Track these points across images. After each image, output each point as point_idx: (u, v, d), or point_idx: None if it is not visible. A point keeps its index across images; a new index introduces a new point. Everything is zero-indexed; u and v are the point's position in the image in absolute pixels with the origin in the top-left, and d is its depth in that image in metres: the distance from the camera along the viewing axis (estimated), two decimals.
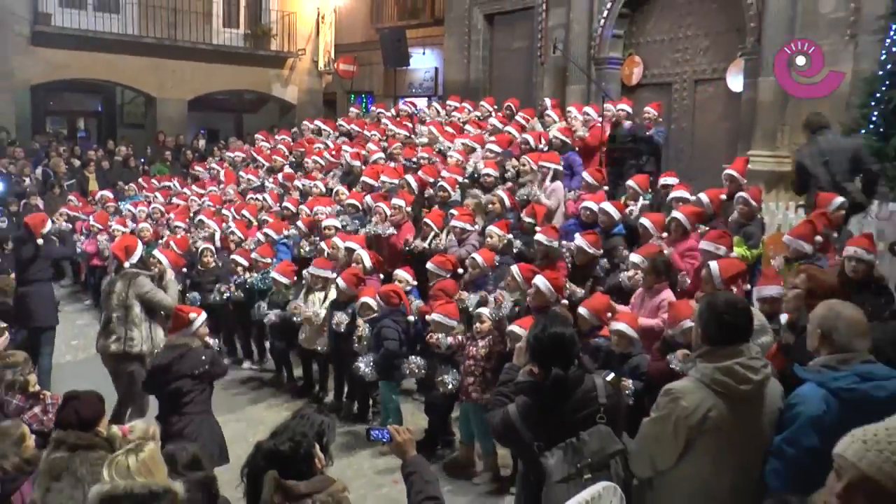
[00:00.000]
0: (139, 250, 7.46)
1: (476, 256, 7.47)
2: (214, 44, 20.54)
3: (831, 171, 7.71)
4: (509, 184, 9.48)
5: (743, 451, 3.33)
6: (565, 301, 6.45)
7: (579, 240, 7.37)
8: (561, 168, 9.29)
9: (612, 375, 3.78)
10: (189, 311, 6.11)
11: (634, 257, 6.91)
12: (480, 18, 16.82)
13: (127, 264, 7.32)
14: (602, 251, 7.45)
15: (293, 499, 3.08)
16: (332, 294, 8.06)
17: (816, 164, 7.80)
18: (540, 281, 6.31)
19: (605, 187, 8.86)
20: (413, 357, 6.84)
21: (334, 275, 8.14)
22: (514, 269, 6.86)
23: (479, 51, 16.88)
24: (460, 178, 9.87)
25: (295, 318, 8.11)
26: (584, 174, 9.01)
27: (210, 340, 6.30)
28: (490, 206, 8.78)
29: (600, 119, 10.42)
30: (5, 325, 6.93)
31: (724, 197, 7.98)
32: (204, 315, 6.16)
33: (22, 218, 10.35)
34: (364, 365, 6.91)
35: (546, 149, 9.98)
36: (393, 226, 9.01)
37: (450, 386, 6.42)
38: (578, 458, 3.42)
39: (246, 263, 9.21)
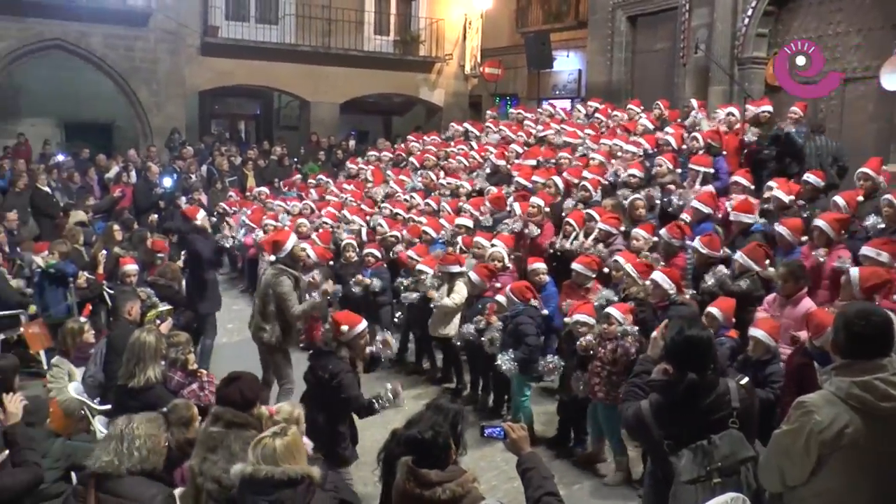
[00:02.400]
0: (289, 244, 7.38)
1: (619, 259, 7.21)
2: (366, 50, 21.20)
3: (821, 161, 9.68)
4: (657, 187, 9.27)
5: (881, 471, 3.11)
6: (686, 296, 6.29)
7: (695, 241, 7.20)
8: (712, 171, 9.14)
9: (746, 380, 3.72)
10: (345, 322, 5.66)
11: (738, 256, 6.73)
12: (623, 20, 16.66)
13: (272, 258, 7.50)
14: (721, 252, 7.22)
15: (424, 486, 3.20)
16: (458, 287, 8.17)
17: (812, 155, 9.71)
18: (658, 275, 6.22)
19: (752, 186, 8.66)
20: (549, 356, 6.79)
21: (458, 269, 8.25)
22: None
23: (621, 52, 16.70)
24: (602, 179, 9.80)
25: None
26: (736, 176, 8.79)
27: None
28: (636, 210, 8.60)
29: (740, 120, 10.20)
30: (171, 307, 7.69)
31: (860, 198, 7.63)
32: (364, 324, 5.80)
33: None
34: (505, 361, 6.84)
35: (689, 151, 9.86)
36: (536, 226, 9.01)
37: (581, 387, 6.40)
38: (708, 460, 3.39)
39: (379, 255, 9.43)
